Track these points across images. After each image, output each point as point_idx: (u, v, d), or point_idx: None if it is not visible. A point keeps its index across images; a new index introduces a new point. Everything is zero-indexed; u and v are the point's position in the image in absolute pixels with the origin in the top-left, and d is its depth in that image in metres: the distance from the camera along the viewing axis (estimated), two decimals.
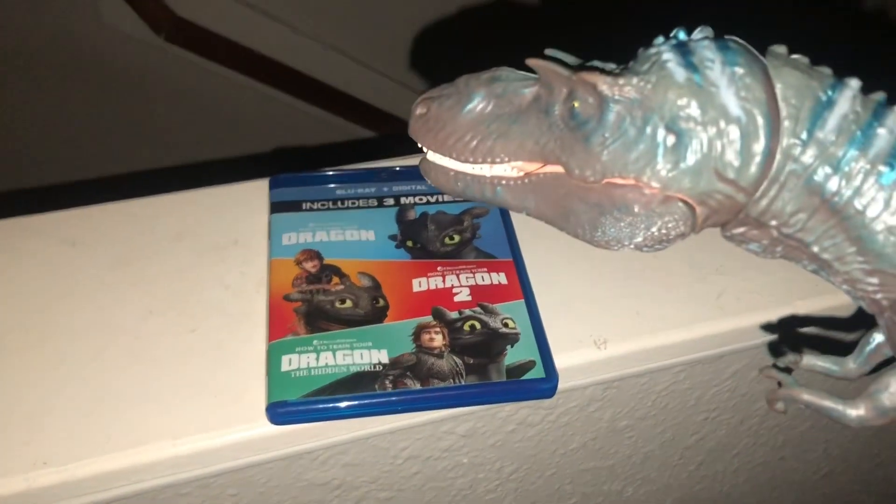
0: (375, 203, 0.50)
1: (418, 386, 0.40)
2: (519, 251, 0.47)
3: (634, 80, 0.33)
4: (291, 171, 0.52)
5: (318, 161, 0.54)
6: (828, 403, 0.36)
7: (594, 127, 0.33)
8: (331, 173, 0.51)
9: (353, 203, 0.49)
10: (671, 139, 0.32)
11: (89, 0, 1.21)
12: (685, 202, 0.33)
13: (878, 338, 0.38)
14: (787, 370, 0.39)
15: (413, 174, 0.52)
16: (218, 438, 0.39)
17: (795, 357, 0.39)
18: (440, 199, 0.50)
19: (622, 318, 0.46)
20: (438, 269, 0.46)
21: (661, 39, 0.34)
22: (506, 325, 0.43)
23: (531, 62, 0.34)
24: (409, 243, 0.47)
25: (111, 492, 0.40)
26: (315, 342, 0.41)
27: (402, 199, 0.50)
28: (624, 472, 0.63)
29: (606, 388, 0.51)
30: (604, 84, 0.33)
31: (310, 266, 0.45)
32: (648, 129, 0.32)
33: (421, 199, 0.50)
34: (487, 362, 0.41)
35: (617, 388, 0.52)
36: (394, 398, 0.40)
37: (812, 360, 0.39)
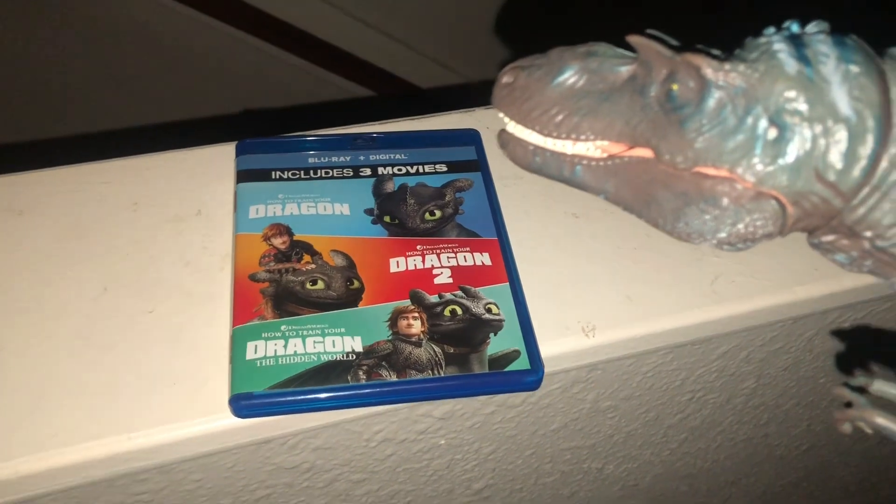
0: (351, 173, 0.46)
1: (394, 377, 0.37)
2: (504, 229, 0.44)
3: (741, 67, 0.31)
4: (286, 128, 0.47)
5: (312, 119, 0.50)
6: None
7: (691, 112, 0.32)
8: (302, 139, 0.47)
9: (327, 173, 0.46)
10: (773, 132, 0.31)
11: None
12: (778, 200, 0.32)
13: None
14: (860, 389, 0.37)
15: (392, 141, 0.48)
16: (177, 432, 0.36)
17: (867, 379, 0.37)
18: (420, 171, 0.46)
19: (611, 304, 0.43)
20: (417, 247, 0.43)
21: (772, 30, 0.32)
22: (489, 311, 0.40)
23: (632, 39, 0.32)
24: (387, 219, 0.44)
25: (60, 483, 0.37)
26: (283, 328, 0.38)
27: (380, 170, 0.46)
28: (605, 450, 0.61)
29: (591, 370, 0.49)
30: (708, 67, 0.31)
31: (279, 242, 0.42)
32: (749, 120, 0.31)
33: (400, 170, 0.46)
34: (469, 351, 0.38)
35: (602, 371, 0.49)
36: (367, 391, 0.37)
37: (883, 387, 0.37)
